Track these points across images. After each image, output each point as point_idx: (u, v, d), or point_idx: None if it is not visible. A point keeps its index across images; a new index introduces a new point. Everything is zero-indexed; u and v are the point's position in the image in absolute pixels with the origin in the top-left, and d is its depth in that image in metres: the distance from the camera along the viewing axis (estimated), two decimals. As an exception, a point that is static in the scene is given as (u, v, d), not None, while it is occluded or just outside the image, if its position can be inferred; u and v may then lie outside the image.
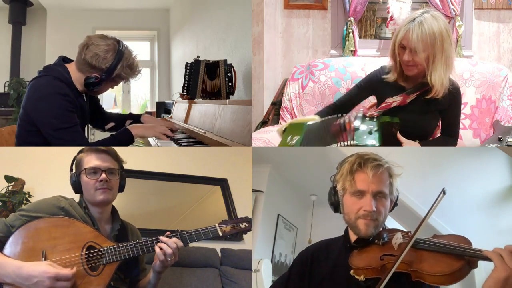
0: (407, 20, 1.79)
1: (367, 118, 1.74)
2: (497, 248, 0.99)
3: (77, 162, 1.51)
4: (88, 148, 1.52)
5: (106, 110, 2.20)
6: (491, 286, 0.95)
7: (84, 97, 1.87)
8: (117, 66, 1.74)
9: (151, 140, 2.47)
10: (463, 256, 1.03)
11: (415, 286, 1.09)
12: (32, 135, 1.75)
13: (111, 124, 2.12)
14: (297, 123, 1.86)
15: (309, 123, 1.82)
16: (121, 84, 1.99)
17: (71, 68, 1.77)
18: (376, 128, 1.70)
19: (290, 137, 1.76)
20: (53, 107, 1.67)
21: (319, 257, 1.30)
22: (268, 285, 2.50)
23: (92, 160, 1.47)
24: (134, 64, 1.83)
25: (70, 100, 1.70)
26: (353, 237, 1.25)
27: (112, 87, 1.90)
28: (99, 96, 2.13)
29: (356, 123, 1.71)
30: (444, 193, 1.12)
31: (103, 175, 1.45)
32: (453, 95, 1.87)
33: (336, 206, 1.29)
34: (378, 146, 1.68)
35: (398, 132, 1.76)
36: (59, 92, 1.68)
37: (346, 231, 1.29)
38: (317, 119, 1.88)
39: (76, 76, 1.76)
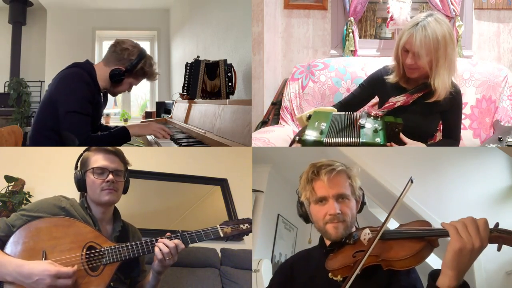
0: (411, 23, 1.79)
1: (372, 117, 1.79)
2: (453, 221, 1.03)
3: (83, 160, 1.51)
4: (96, 148, 1.53)
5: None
6: (447, 258, 0.98)
7: (102, 97, 2.01)
8: (140, 61, 1.96)
9: (150, 139, 2.47)
10: (423, 237, 1.09)
11: (389, 275, 1.13)
12: (51, 118, 1.83)
13: (99, 133, 2.15)
14: (322, 111, 1.92)
15: (334, 113, 1.88)
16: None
17: (97, 66, 1.96)
18: (380, 127, 1.74)
19: (317, 123, 1.80)
20: (75, 91, 1.82)
21: (299, 267, 1.34)
22: (268, 285, 2.50)
23: (99, 160, 1.48)
24: (155, 65, 2.07)
25: (91, 91, 1.86)
26: (327, 242, 1.29)
27: (130, 88, 2.05)
28: None
29: (362, 121, 1.76)
30: (412, 182, 1.16)
31: (111, 176, 1.45)
32: (454, 97, 1.89)
33: (305, 217, 1.34)
34: (383, 144, 1.71)
35: (400, 132, 1.79)
36: (84, 81, 1.85)
37: (321, 238, 1.33)
38: (334, 109, 1.95)
39: (101, 73, 1.93)
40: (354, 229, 1.28)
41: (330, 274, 1.19)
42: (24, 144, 2.41)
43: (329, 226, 1.24)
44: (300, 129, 2.15)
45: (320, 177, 1.27)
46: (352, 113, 1.86)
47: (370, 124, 1.75)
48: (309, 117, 1.88)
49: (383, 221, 1.18)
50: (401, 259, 1.08)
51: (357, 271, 1.09)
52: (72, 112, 1.79)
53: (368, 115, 1.80)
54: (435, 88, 1.81)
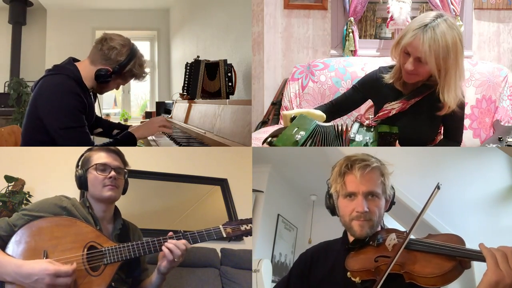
0: (418, 23, 1.55)
1: (364, 128, 1.62)
2: (493, 248, 0.97)
3: (85, 159, 1.52)
4: (97, 147, 1.55)
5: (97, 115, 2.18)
6: None
7: (92, 96, 1.87)
8: (130, 62, 1.80)
9: (151, 139, 2.48)
10: (455, 257, 1.02)
11: (409, 287, 1.08)
12: (40, 132, 1.72)
13: (99, 129, 2.12)
14: (307, 117, 1.70)
15: (319, 123, 1.67)
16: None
17: (81, 65, 1.78)
18: (372, 140, 1.57)
19: (296, 129, 1.61)
20: (65, 105, 1.67)
21: (319, 259, 1.32)
22: (268, 285, 2.50)
23: (102, 157, 1.50)
24: (145, 65, 1.89)
25: (81, 101, 1.71)
26: (351, 238, 1.26)
27: (118, 87, 1.91)
28: (99, 97, 2.12)
29: (352, 133, 1.59)
30: (439, 188, 1.12)
31: (113, 173, 1.48)
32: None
33: (332, 209, 1.31)
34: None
35: (397, 141, 1.64)
36: (71, 91, 1.68)
37: (345, 232, 1.31)
38: (324, 116, 1.77)
39: (87, 72, 1.77)
40: (379, 228, 1.24)
41: (348, 273, 1.16)
42: (24, 144, 2.40)
43: (354, 223, 1.21)
44: (280, 126, 1.95)
45: (353, 171, 1.23)
46: (341, 125, 1.64)
47: (361, 136, 1.58)
48: (293, 118, 1.68)
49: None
50: (426, 276, 1.01)
51: (381, 282, 1.04)
52: (67, 128, 1.68)
53: (360, 124, 1.63)
54: (445, 102, 1.63)
